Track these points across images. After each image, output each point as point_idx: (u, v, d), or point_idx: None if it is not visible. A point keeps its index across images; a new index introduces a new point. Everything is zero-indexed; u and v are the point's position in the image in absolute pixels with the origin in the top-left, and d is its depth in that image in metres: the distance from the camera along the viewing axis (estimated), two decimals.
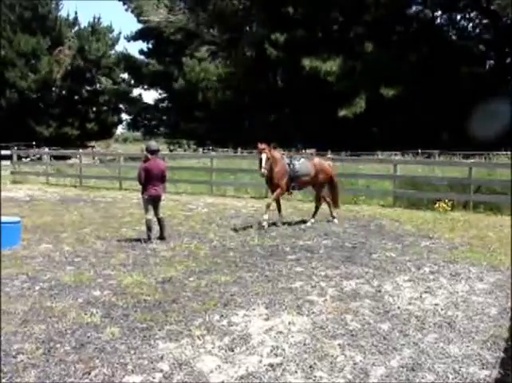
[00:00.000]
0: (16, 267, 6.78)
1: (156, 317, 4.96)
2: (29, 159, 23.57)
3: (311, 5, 33.66)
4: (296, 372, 3.90)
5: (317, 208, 10.57)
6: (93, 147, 43.38)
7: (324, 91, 32.29)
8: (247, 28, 41.98)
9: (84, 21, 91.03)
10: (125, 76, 49.75)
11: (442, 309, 5.24)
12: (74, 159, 25.43)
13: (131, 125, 53.40)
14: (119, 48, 66.22)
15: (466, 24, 38.32)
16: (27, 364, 4.00)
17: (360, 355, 4.17)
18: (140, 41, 50.02)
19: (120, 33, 60.49)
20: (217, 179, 16.41)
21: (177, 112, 46.38)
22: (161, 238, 8.58)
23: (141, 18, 44.05)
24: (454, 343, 4.41)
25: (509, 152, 16.58)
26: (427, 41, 32.97)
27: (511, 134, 21.99)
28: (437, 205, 11.97)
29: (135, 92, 54.24)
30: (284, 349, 4.28)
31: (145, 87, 50.31)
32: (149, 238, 8.39)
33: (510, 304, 5.35)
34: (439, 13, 37.99)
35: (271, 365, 3.99)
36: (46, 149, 23.26)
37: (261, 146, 9.71)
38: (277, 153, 10.14)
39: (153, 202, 8.55)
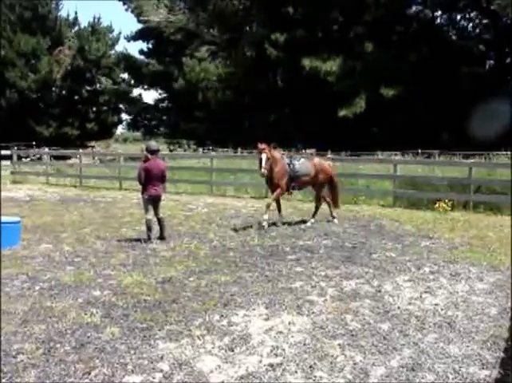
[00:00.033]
0: (16, 267, 6.77)
1: (156, 317, 4.96)
2: (29, 159, 23.56)
3: (311, 5, 33.67)
4: (296, 372, 3.90)
5: (317, 208, 10.57)
6: (93, 147, 43.36)
7: (324, 91, 32.30)
8: (247, 28, 41.99)
9: (84, 21, 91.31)
10: (125, 76, 49.86)
11: (442, 309, 5.24)
12: (74, 159, 25.42)
13: (131, 125, 53.42)
14: (119, 48, 66.41)
15: (466, 24, 38.37)
16: (27, 364, 4.00)
17: (360, 355, 4.17)
18: (140, 41, 50.17)
19: (120, 33, 60.71)
20: (217, 179, 16.41)
21: (177, 112, 46.39)
22: (161, 238, 8.58)
23: (141, 18, 44.08)
24: (454, 343, 4.42)
25: (509, 152, 16.59)
26: (427, 41, 32.97)
27: (511, 134, 21.99)
28: (437, 205, 11.97)
29: (135, 92, 54.40)
30: (284, 349, 4.28)
31: (145, 87, 50.36)
32: (149, 238, 8.39)
33: (509, 304, 5.35)
34: (439, 13, 38.05)
35: (271, 365, 3.99)
36: (46, 149, 23.25)
37: (261, 146, 9.71)
38: (277, 153, 10.14)
39: (153, 202, 8.55)
